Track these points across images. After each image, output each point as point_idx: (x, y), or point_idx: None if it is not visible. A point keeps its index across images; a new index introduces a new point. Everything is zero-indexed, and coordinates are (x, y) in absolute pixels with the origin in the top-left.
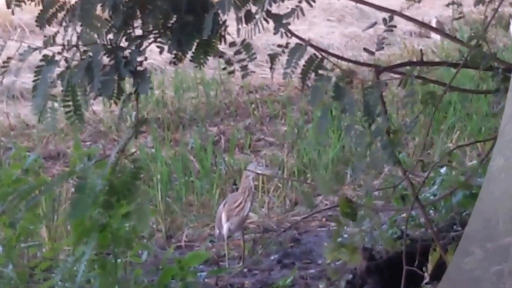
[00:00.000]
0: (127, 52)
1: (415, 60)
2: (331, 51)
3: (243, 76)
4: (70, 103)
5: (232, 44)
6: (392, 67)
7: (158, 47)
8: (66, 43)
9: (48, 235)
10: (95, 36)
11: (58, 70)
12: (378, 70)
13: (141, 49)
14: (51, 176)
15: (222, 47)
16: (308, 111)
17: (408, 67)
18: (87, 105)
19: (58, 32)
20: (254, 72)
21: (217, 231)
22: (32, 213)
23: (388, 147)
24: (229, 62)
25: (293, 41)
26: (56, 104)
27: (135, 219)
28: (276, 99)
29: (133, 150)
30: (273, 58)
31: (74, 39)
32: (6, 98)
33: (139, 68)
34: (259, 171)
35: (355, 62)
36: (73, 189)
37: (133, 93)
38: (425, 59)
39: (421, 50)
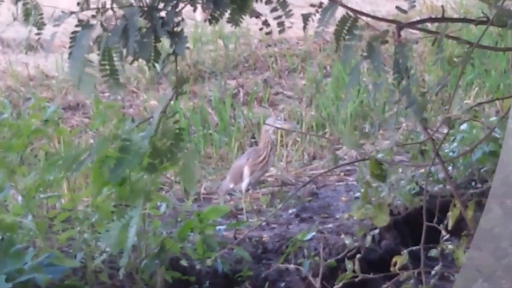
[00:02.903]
0: (163, 13)
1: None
2: (349, 5)
3: (280, 32)
4: (107, 67)
5: (268, 2)
6: (414, 23)
7: (192, 5)
8: (100, 6)
9: (68, 186)
10: None
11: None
12: (399, 26)
13: (177, 10)
14: (70, 127)
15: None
16: (327, 65)
17: (428, 24)
18: (124, 70)
19: None
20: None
21: (230, 185)
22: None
23: (414, 103)
24: (266, 23)
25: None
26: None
27: (182, 180)
28: (295, 53)
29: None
30: (306, 17)
31: (109, 2)
32: (25, 49)
33: (176, 28)
34: (278, 125)
35: (375, 18)
36: (92, 140)
37: (171, 54)
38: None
39: (442, 7)
